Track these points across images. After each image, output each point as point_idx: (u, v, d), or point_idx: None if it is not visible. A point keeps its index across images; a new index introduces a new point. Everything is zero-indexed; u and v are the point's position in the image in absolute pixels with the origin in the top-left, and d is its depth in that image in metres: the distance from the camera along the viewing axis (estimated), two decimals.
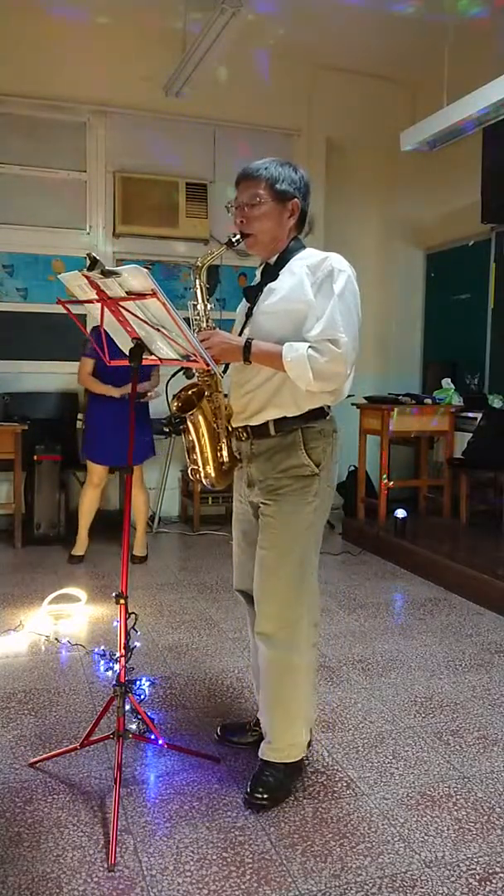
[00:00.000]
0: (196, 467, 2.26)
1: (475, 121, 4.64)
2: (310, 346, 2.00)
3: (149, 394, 4.57)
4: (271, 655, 2.18)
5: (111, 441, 4.56)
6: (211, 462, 2.24)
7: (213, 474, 2.25)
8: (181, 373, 2.21)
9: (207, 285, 2.23)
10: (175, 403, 2.24)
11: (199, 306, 2.21)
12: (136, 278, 1.93)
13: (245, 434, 2.21)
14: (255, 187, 2.15)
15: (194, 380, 2.24)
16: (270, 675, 2.20)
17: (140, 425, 4.59)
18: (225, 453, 2.24)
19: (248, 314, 2.22)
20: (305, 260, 2.14)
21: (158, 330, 2.05)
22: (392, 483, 5.46)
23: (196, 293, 2.21)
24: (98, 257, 1.94)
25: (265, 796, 2.15)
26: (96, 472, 4.69)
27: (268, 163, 2.19)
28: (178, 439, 5.75)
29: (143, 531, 4.83)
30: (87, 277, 2.00)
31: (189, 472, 2.30)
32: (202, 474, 2.26)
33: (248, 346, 2.07)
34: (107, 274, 1.93)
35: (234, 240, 2.17)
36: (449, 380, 5.81)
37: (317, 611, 2.25)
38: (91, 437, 4.69)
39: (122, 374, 4.45)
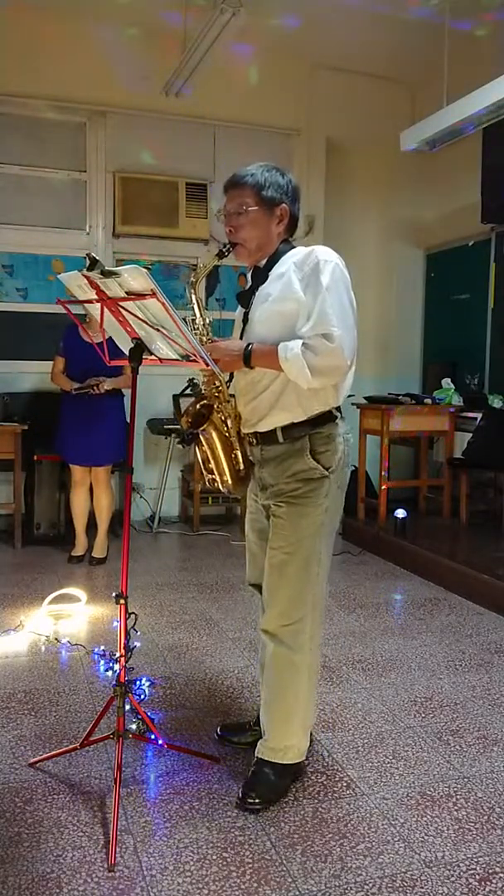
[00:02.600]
0: (213, 477, 2.28)
1: (475, 121, 4.65)
2: (303, 344, 2.00)
3: (98, 386, 4.47)
4: (274, 652, 2.19)
5: (79, 440, 4.58)
6: (227, 471, 2.26)
7: (230, 482, 2.27)
8: (188, 389, 2.23)
9: (209, 288, 2.25)
10: (185, 419, 2.26)
11: (198, 321, 2.23)
12: (135, 278, 1.94)
13: (255, 440, 2.23)
14: (241, 196, 2.16)
15: (202, 392, 2.26)
16: (272, 673, 2.21)
17: (110, 425, 4.57)
18: (240, 459, 2.26)
19: (245, 319, 2.22)
20: (293, 257, 2.14)
21: (158, 330, 2.05)
22: (391, 483, 5.46)
23: (194, 308, 2.23)
24: (98, 257, 1.95)
25: (257, 801, 2.15)
26: (76, 472, 4.70)
27: (254, 169, 2.19)
28: (178, 439, 5.76)
29: (104, 532, 4.78)
30: (87, 277, 2.00)
31: (207, 482, 2.32)
32: (220, 483, 2.28)
33: (247, 352, 2.08)
34: (106, 274, 1.93)
35: (224, 250, 2.19)
36: (449, 380, 5.81)
37: (322, 612, 2.24)
38: (62, 437, 4.70)
39: (88, 371, 4.47)
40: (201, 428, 2.21)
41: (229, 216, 2.18)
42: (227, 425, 2.24)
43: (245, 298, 2.24)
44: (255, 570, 2.39)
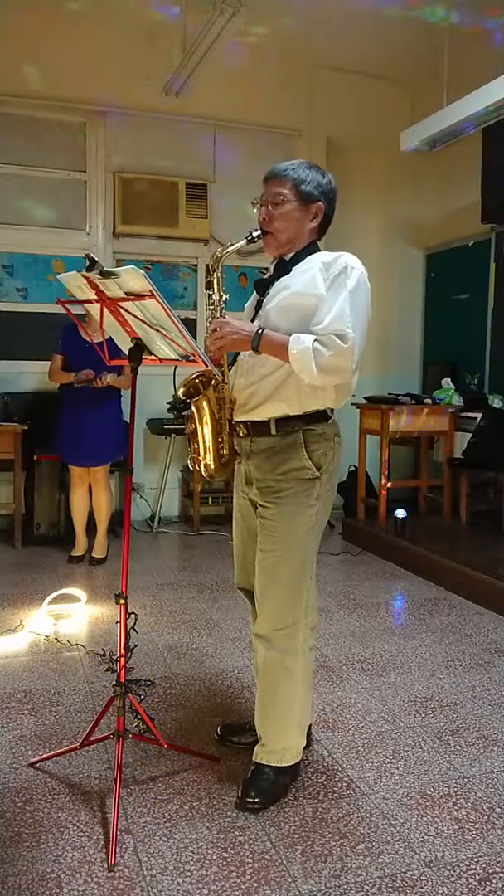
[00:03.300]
0: (196, 456, 2.27)
1: (475, 121, 4.65)
2: (315, 339, 1.99)
3: (99, 380, 4.45)
4: (267, 657, 2.19)
5: (78, 440, 4.57)
6: (211, 451, 2.25)
7: (212, 465, 2.26)
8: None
9: (223, 276, 2.24)
10: (182, 389, 2.26)
11: (214, 296, 2.23)
12: (133, 279, 1.94)
13: (245, 430, 2.21)
14: (280, 186, 2.17)
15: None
16: (266, 677, 2.21)
17: (108, 425, 4.56)
18: (226, 446, 2.25)
19: (258, 307, 2.22)
20: (321, 257, 2.15)
21: (157, 330, 2.05)
22: (391, 483, 5.46)
23: (213, 283, 2.23)
24: (96, 258, 1.95)
25: (257, 800, 2.15)
26: (74, 472, 4.70)
27: (296, 164, 2.21)
28: (179, 439, 5.76)
29: (103, 532, 4.77)
30: (87, 278, 2.00)
31: (189, 461, 2.31)
32: (202, 464, 2.27)
33: (258, 335, 2.07)
34: (105, 275, 1.93)
35: (254, 235, 2.19)
36: (449, 380, 5.81)
37: (315, 614, 2.24)
38: (60, 437, 4.69)
39: (86, 368, 4.46)
40: (194, 398, 2.21)
41: (265, 205, 2.19)
42: (220, 406, 2.24)
43: (263, 287, 2.24)
44: (244, 573, 2.38)
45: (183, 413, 2.29)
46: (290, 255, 2.21)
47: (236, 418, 2.23)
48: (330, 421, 2.19)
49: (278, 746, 2.20)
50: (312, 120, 6.16)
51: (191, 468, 2.32)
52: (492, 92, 4.34)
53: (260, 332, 2.08)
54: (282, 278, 2.18)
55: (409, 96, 6.33)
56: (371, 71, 6.09)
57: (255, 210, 2.24)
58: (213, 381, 2.23)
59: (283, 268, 2.20)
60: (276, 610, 2.16)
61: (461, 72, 4.98)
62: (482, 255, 5.91)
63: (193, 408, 2.22)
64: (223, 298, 2.23)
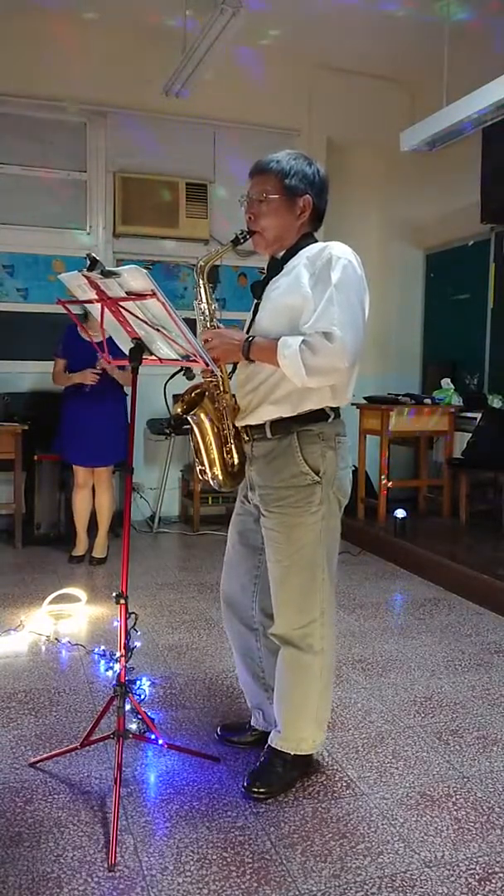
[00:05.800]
0: (203, 468, 2.23)
1: (475, 121, 4.65)
2: (302, 341, 1.94)
3: (97, 369, 4.44)
4: (285, 654, 2.19)
5: (82, 441, 4.57)
6: (218, 464, 2.21)
7: (220, 476, 2.22)
8: (181, 374, 2.19)
9: (211, 284, 2.21)
10: (179, 406, 2.21)
11: (202, 306, 2.18)
12: (135, 279, 1.94)
13: (246, 435, 2.19)
14: (264, 182, 2.11)
15: (197, 381, 2.23)
16: (283, 671, 2.21)
17: (112, 425, 4.56)
18: (235, 454, 2.21)
19: (255, 311, 2.19)
20: (307, 251, 2.09)
21: (158, 330, 2.05)
22: (391, 483, 5.46)
23: (200, 293, 2.18)
24: (98, 257, 1.94)
25: (262, 790, 2.16)
26: (79, 472, 4.69)
27: (280, 156, 2.13)
28: (179, 439, 5.76)
29: (104, 533, 4.77)
30: (87, 278, 2.00)
31: (198, 472, 2.28)
32: (209, 475, 2.23)
33: (247, 344, 2.05)
34: (107, 274, 1.93)
35: (240, 237, 2.13)
36: (449, 380, 5.82)
37: (332, 613, 2.22)
38: (63, 438, 4.68)
39: (87, 369, 4.46)
40: (191, 413, 2.16)
41: (250, 203, 2.13)
42: (222, 416, 2.18)
43: (258, 290, 2.19)
44: (229, 576, 2.35)
45: (183, 429, 2.25)
46: (282, 252, 2.15)
47: (238, 423, 2.20)
48: (330, 420, 2.12)
49: (294, 736, 2.21)
50: (312, 120, 6.17)
51: (200, 479, 2.28)
52: (492, 92, 4.34)
53: (249, 339, 2.04)
54: (274, 278, 2.13)
55: (409, 96, 6.33)
56: (371, 71, 6.09)
57: (241, 208, 2.18)
58: (207, 393, 2.18)
59: (276, 267, 2.15)
60: (292, 615, 2.15)
61: (461, 72, 4.98)
62: (482, 255, 5.92)
63: (193, 424, 2.18)
64: (213, 307, 2.18)
